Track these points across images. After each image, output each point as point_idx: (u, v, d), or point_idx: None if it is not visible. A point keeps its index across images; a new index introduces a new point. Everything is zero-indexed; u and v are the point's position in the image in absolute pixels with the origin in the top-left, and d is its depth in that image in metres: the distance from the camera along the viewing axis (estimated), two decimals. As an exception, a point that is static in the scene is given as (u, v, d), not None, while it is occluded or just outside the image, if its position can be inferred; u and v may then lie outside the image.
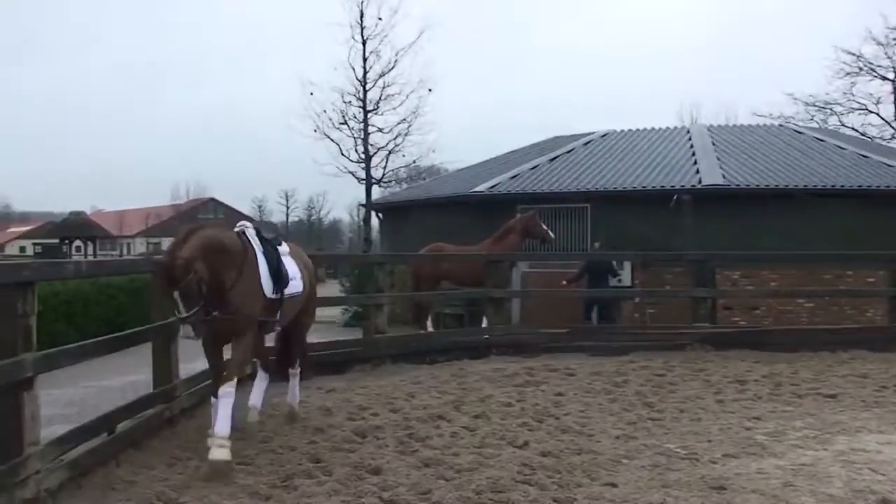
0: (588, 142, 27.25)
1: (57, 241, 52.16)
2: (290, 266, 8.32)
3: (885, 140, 42.49)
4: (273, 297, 7.94)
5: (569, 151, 26.06)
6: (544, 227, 17.52)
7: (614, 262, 17.70)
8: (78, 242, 50.94)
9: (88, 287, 16.99)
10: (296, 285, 8.36)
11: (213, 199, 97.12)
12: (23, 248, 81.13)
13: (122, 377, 11.14)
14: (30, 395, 5.85)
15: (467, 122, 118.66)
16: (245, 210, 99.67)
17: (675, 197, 20.01)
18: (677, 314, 16.77)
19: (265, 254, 7.90)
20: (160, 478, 6.61)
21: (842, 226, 19.12)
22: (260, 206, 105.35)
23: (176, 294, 6.67)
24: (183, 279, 6.65)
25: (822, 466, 7.13)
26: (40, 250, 61.24)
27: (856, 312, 18.69)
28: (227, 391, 7.07)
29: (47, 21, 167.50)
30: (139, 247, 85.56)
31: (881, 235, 18.58)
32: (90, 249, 50.68)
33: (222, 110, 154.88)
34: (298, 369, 9.23)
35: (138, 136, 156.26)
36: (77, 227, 49.17)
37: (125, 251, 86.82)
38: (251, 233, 7.98)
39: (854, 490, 6.42)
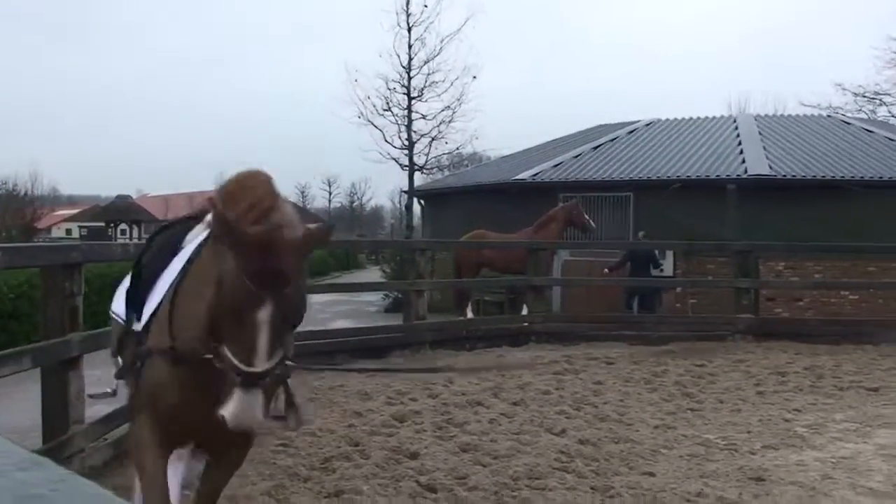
0: (632, 130, 27.05)
1: (103, 224, 52.93)
2: None
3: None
4: None
5: (612, 140, 25.89)
6: (586, 216, 17.45)
7: (657, 252, 17.60)
8: (123, 226, 51.61)
9: (134, 270, 17.17)
10: None
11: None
12: (69, 231, 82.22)
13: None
14: (76, 373, 5.98)
15: (511, 110, 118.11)
16: (289, 195, 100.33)
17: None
18: (720, 305, 16.66)
19: None
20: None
21: (890, 218, 18.82)
22: (303, 192, 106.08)
23: (273, 295, 3.22)
24: (303, 260, 3.46)
25: (863, 460, 7.07)
26: (86, 233, 62.19)
27: (898, 306, 18.43)
28: None
29: (94, 7, 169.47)
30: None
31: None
32: (135, 233, 51.29)
33: (267, 96, 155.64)
34: None
35: (184, 121, 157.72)
36: (122, 211, 49.87)
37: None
38: None
39: (895, 484, 6.37)
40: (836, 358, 12.42)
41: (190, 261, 3.87)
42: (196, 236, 4.08)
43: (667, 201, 19.97)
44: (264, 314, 3.20)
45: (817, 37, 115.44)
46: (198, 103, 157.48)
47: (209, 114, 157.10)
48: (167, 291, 3.89)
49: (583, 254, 18.43)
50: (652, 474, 6.55)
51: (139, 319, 4.09)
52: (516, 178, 22.77)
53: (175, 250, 4.14)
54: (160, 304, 3.91)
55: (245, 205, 3.39)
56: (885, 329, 14.38)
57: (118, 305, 4.55)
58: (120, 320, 4.46)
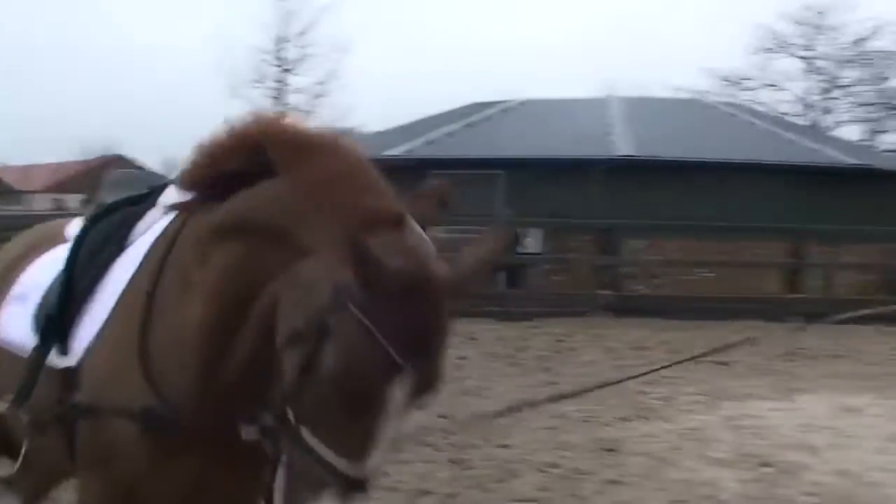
0: (505, 109, 27.21)
1: (-42, 194, 50.78)
2: None
3: (794, 116, 43.40)
4: None
5: (486, 118, 25.99)
6: (450, 196, 17.43)
7: (519, 230, 17.77)
8: (-20, 196, 49.58)
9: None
10: None
11: (120, 157, 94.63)
12: (-78, 202, 78.45)
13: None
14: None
15: (387, 87, 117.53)
16: (157, 170, 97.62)
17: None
18: (583, 282, 16.99)
19: None
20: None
21: (747, 198, 19.41)
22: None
23: (415, 366, 1.90)
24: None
25: (710, 431, 7.36)
26: (-60, 204, 59.54)
27: (753, 283, 19.12)
28: None
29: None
30: (43, 202, 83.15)
31: (785, 209, 18.98)
32: (-8, 204, 49.40)
33: (138, 66, 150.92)
34: None
35: (49, 91, 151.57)
36: (-21, 181, 47.92)
37: (30, 207, 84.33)
38: None
39: (739, 454, 6.65)
40: (691, 333, 12.82)
41: (157, 260, 2.53)
42: (150, 226, 2.70)
43: (536, 181, 20.20)
44: (398, 394, 1.93)
45: (687, 23, 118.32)
46: (64, 71, 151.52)
47: (76, 83, 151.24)
48: (120, 305, 2.55)
49: (450, 231, 18.46)
50: (508, 446, 6.67)
51: (64, 352, 2.62)
52: (386, 154, 22.65)
53: (121, 246, 2.72)
54: (105, 325, 2.55)
55: (361, 214, 2.12)
56: (737, 306, 14.90)
57: (12, 327, 2.92)
58: (18, 353, 2.80)
